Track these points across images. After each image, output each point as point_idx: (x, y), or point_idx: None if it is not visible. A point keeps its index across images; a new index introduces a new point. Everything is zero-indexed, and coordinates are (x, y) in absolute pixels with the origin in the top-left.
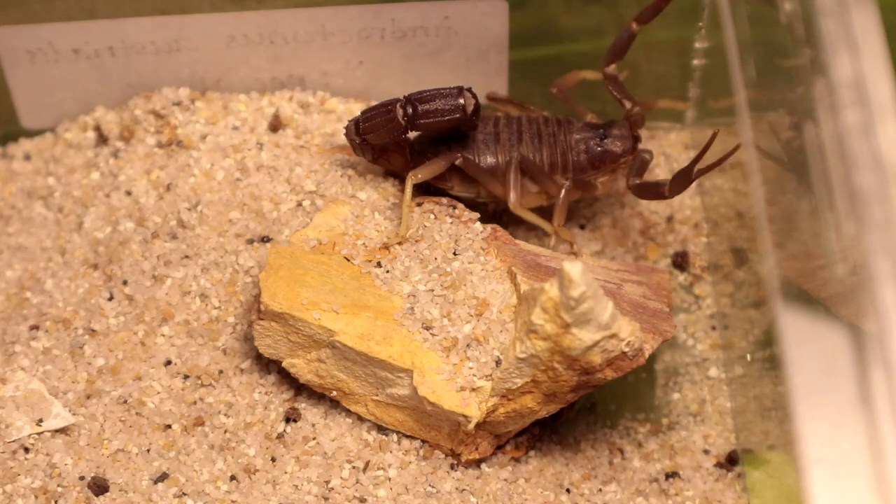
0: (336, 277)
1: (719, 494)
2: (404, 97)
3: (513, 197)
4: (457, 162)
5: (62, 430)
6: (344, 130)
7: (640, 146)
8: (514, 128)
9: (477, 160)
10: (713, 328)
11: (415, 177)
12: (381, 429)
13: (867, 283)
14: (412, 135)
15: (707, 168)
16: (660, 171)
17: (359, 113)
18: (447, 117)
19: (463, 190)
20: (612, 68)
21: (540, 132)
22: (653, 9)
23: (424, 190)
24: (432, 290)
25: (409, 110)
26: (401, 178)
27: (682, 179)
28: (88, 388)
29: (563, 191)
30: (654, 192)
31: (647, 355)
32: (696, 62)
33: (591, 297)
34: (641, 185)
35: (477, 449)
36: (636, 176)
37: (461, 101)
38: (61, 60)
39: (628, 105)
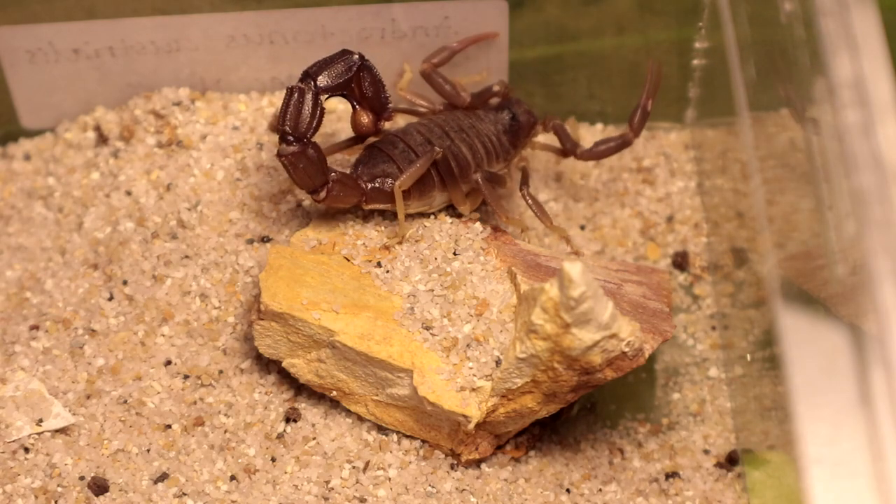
0: (336, 277)
1: (719, 494)
2: (298, 81)
3: (503, 217)
4: (438, 157)
5: (62, 430)
6: (277, 155)
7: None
8: (436, 131)
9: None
10: (713, 328)
11: (402, 185)
12: (381, 429)
13: (867, 283)
14: (350, 164)
15: (652, 91)
16: (660, 171)
17: (276, 125)
18: (348, 72)
19: (420, 205)
20: (465, 96)
21: (462, 127)
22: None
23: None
24: (432, 290)
25: (312, 83)
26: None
27: (642, 116)
28: (88, 388)
29: (480, 187)
30: (616, 145)
31: (647, 355)
32: (696, 62)
33: (591, 297)
34: (596, 149)
35: (477, 449)
36: (573, 143)
37: (351, 54)
38: (61, 60)
39: (497, 89)
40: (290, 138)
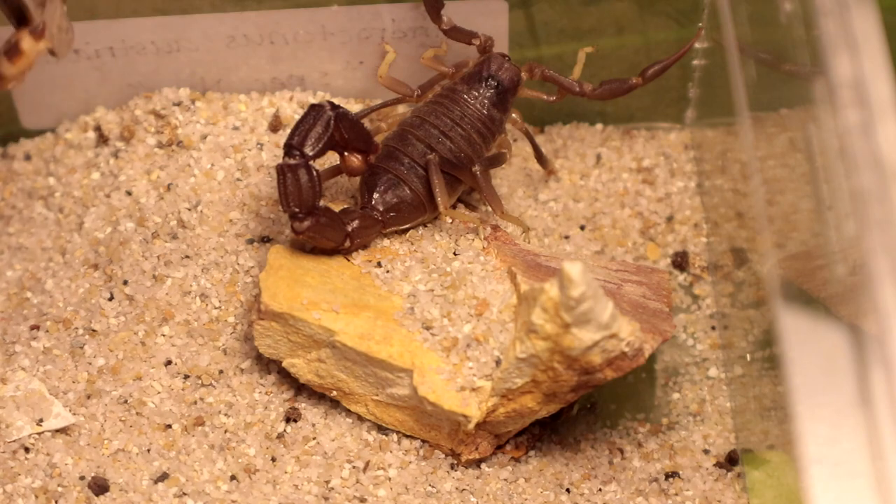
0: (336, 277)
1: (719, 494)
2: (283, 160)
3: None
4: (477, 169)
5: (62, 430)
6: (294, 233)
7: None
8: (434, 133)
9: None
10: (713, 328)
11: (446, 207)
12: (381, 429)
13: (867, 283)
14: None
15: (681, 56)
16: (659, 171)
17: (281, 207)
18: (327, 130)
19: (434, 214)
20: (446, 21)
21: (454, 120)
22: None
23: None
24: (432, 290)
25: (299, 155)
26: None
27: (658, 70)
28: (89, 387)
29: (478, 179)
30: (624, 87)
31: (646, 355)
32: (696, 62)
33: (591, 297)
34: (604, 88)
35: (477, 449)
36: (573, 83)
37: (322, 109)
38: (61, 60)
39: (477, 41)
40: (301, 215)
